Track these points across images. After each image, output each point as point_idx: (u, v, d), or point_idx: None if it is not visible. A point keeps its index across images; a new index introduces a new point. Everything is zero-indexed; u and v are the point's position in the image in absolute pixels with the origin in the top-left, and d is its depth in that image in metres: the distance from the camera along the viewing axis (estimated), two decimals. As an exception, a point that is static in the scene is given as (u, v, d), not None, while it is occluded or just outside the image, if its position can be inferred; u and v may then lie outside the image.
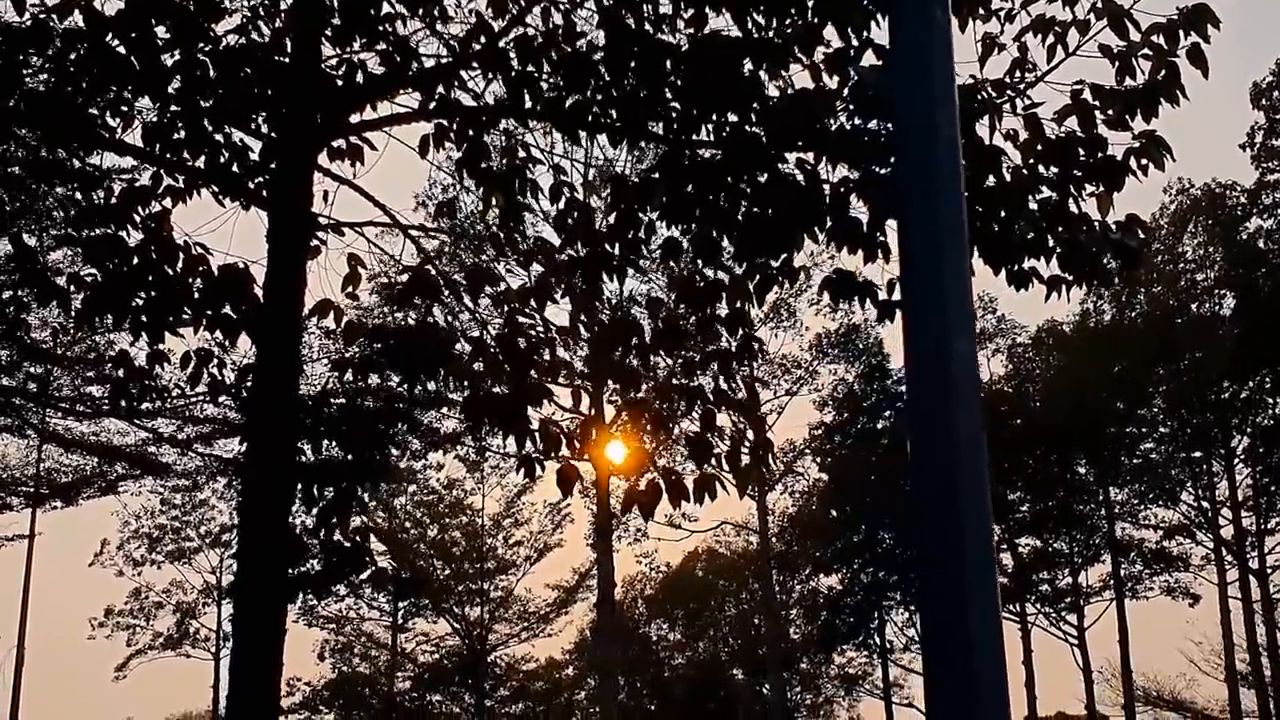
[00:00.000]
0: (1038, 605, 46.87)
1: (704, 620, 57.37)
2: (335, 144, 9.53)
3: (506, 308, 9.37)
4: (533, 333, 9.01)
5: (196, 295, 8.98)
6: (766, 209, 8.25)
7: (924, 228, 3.03)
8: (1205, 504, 43.56)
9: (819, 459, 47.21)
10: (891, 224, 8.31)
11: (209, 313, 8.99)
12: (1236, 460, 43.06)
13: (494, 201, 9.32)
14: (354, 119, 9.13)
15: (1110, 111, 7.81)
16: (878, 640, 48.61)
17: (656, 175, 8.23)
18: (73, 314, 9.39)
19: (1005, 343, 48.14)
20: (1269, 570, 41.69)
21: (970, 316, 2.90)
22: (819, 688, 54.97)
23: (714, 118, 7.88)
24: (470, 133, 9.10)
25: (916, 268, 3.06)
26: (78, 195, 9.04)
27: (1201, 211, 42.10)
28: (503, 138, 9.27)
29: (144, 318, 9.19)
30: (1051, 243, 8.28)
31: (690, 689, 53.84)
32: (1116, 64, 7.64)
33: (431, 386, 9.91)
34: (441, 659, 45.75)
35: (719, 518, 64.66)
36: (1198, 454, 44.14)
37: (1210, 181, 42.01)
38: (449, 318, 9.65)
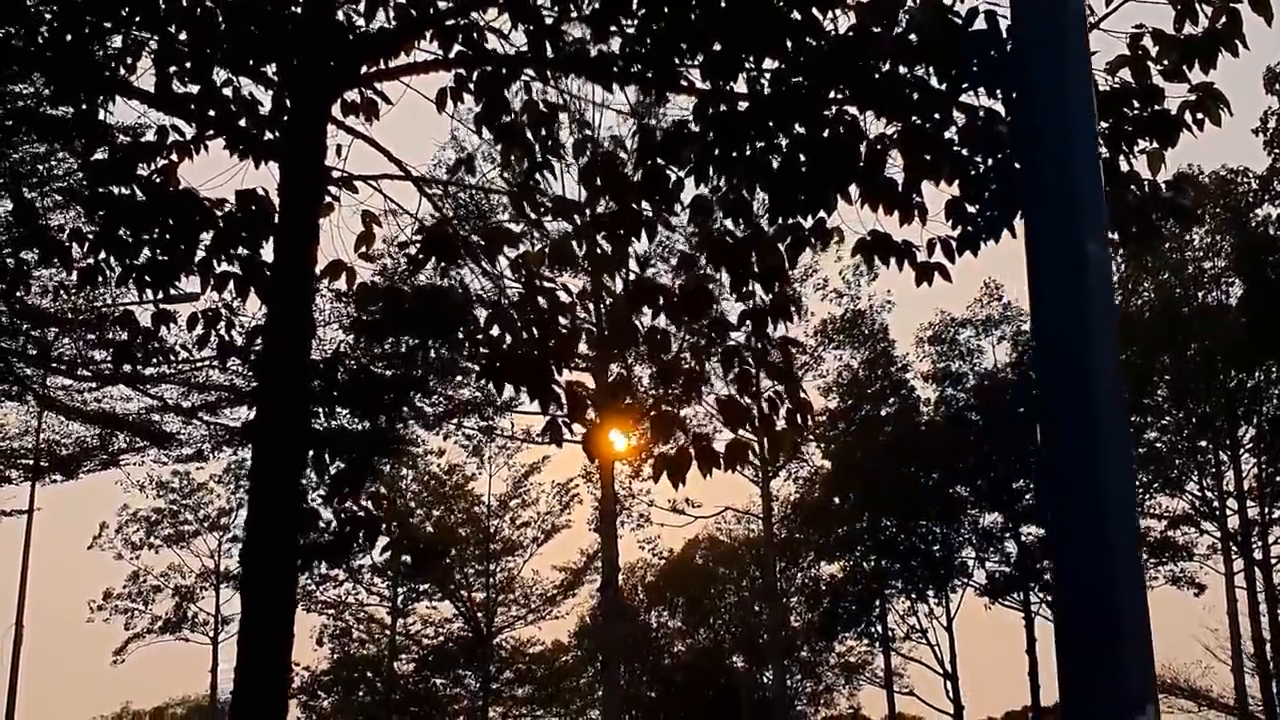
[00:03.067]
0: (1041, 594, 46.55)
1: (704, 608, 57.10)
2: (349, 98, 9.18)
3: (525, 271, 9.04)
4: (554, 295, 8.67)
5: (204, 249, 8.64)
6: (800, 165, 7.89)
7: (1052, 111, 2.66)
8: (1210, 494, 43.20)
9: (823, 446, 46.83)
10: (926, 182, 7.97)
11: (222, 259, 8.65)
12: (1242, 450, 42.68)
13: (513, 158, 8.97)
14: (369, 69, 8.77)
15: (1166, 61, 7.45)
16: (879, 629, 48.36)
17: (687, 128, 7.87)
18: (75, 272, 9.06)
19: (1011, 330, 47.69)
20: (1273, 560, 41.38)
21: (1103, 214, 2.55)
22: (819, 676, 54.73)
23: (753, 63, 7.50)
24: (489, 85, 8.74)
25: (1043, 158, 2.69)
26: (81, 148, 8.68)
27: (1210, 198, 41.60)
28: (524, 90, 8.87)
29: (148, 274, 8.87)
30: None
31: (690, 676, 53.61)
32: (1177, 7, 7.28)
33: (447, 351, 9.56)
34: (445, 642, 45.46)
35: (722, 504, 64.37)
36: (1203, 443, 43.74)
37: (1220, 168, 41.55)
38: (464, 281, 9.32)
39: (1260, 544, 41.58)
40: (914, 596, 48.02)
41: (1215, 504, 43.05)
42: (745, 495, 74.36)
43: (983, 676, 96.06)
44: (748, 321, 8.18)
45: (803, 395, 7.97)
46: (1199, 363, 42.22)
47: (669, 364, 8.17)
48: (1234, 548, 42.09)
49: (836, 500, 47.36)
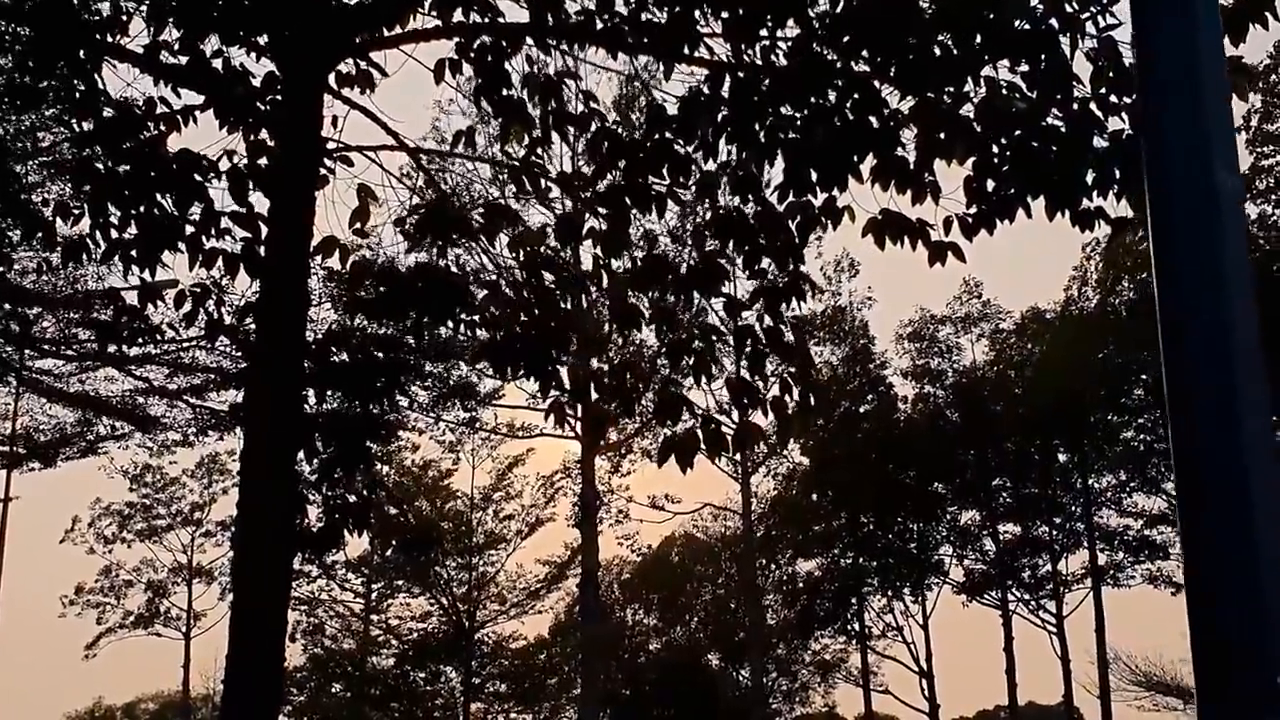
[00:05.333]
0: (1018, 592, 46.57)
1: (680, 605, 56.87)
2: (343, 69, 8.89)
3: (525, 250, 8.76)
4: (559, 272, 8.40)
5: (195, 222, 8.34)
6: (816, 138, 7.64)
7: (1176, 21, 2.39)
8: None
9: (801, 442, 46.61)
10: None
11: (212, 234, 8.35)
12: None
13: (514, 133, 8.68)
14: (367, 37, 8.47)
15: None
16: (856, 626, 48.23)
17: (701, 99, 7.61)
18: (58, 247, 8.75)
19: (989, 328, 47.67)
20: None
21: (1232, 139, 2.31)
22: (795, 674, 54.55)
23: (773, 26, 7.24)
24: (490, 56, 8.45)
25: (1167, 77, 2.43)
26: (68, 115, 8.36)
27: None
28: (525, 62, 8.58)
29: (135, 250, 8.57)
30: (1119, 181, 7.68)
31: (666, 674, 53.36)
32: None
33: (442, 333, 9.27)
34: (427, 636, 45.01)
35: (699, 500, 64.16)
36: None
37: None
38: (461, 260, 9.04)
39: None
40: (890, 594, 47.93)
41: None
42: (723, 491, 74.14)
43: (958, 674, 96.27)
44: (760, 300, 7.93)
45: (815, 376, 7.72)
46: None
47: (678, 343, 7.90)
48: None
49: (814, 497, 47.22)
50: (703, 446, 7.58)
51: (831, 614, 48.51)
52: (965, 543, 47.36)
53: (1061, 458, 46.33)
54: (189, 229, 8.62)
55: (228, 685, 7.15)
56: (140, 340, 9.08)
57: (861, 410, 46.42)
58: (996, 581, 46.30)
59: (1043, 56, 7.06)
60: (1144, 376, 43.41)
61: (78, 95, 8.07)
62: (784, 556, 50.56)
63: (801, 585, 49.78)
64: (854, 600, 47.95)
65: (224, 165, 8.49)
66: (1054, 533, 46.50)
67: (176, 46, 8.44)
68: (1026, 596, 46.58)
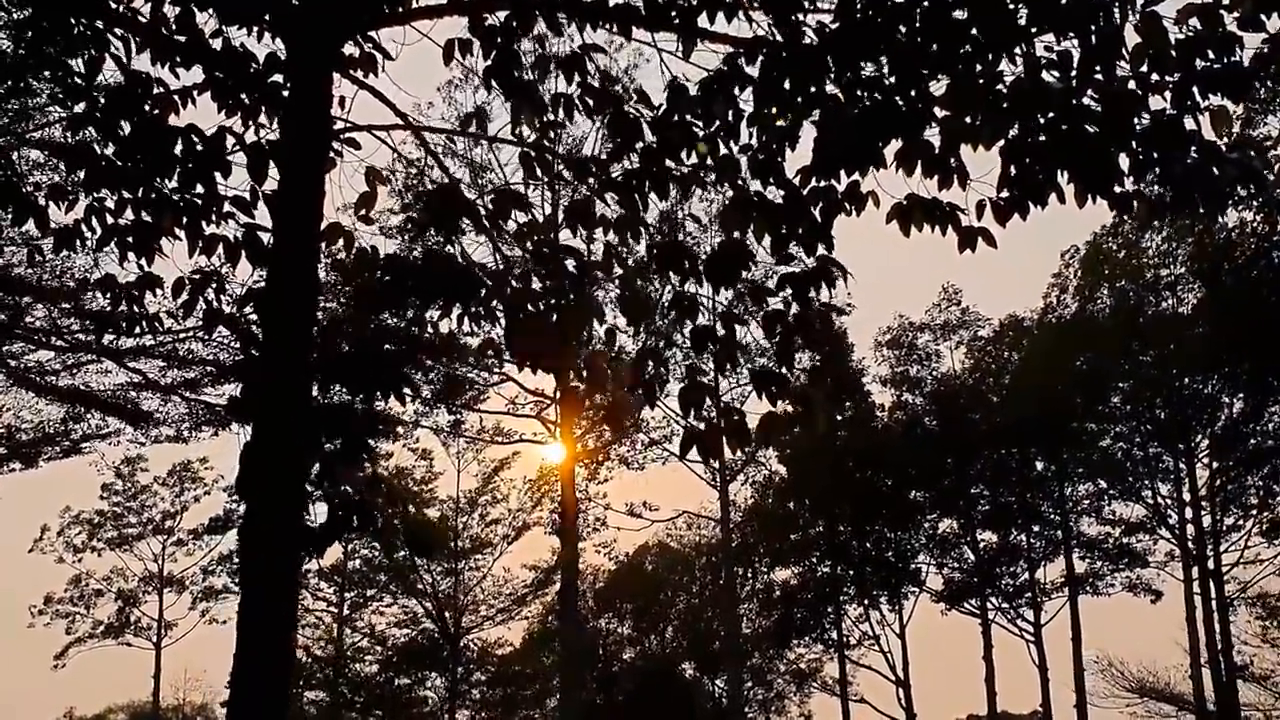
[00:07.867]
0: (996, 600, 46.51)
1: (654, 614, 56.62)
2: (347, 51, 8.57)
3: (535, 238, 8.45)
4: (577, 257, 8.09)
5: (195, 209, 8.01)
6: (843, 119, 7.36)
7: None
8: (1164, 501, 43.13)
9: (779, 450, 46.38)
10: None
11: (214, 219, 8.01)
12: (1197, 460, 42.57)
13: (523, 117, 8.36)
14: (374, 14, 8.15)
15: (1240, 10, 6.94)
16: (834, 635, 48.05)
17: (728, 81, 7.32)
18: (51, 232, 8.41)
19: (968, 335, 47.57)
20: (1223, 568, 41.30)
21: None
22: (770, 683, 54.36)
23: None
24: (500, 36, 8.14)
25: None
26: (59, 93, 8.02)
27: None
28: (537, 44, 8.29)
29: (131, 237, 8.24)
30: (1158, 163, 7.41)
31: (640, 684, 53.10)
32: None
33: (445, 327, 8.92)
34: (411, 642, 44.51)
35: (678, 507, 64.09)
36: (1158, 450, 43.64)
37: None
38: (465, 252, 8.71)
39: (1213, 552, 41.48)
40: (867, 603, 47.79)
41: (1172, 512, 42.98)
42: (699, 500, 74.18)
43: (934, 684, 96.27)
44: (786, 286, 7.63)
45: (848, 366, 7.43)
46: (1155, 370, 42.13)
47: (703, 331, 7.61)
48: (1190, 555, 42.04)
49: (792, 505, 47.01)
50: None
51: (808, 623, 48.33)
52: (943, 551, 47.28)
53: (1039, 465, 46.27)
54: (190, 213, 8.29)
55: (234, 686, 6.83)
56: (139, 329, 8.72)
57: (839, 418, 46.21)
58: (975, 590, 46.20)
59: (1092, 29, 6.78)
60: (1122, 384, 43.36)
61: (77, 69, 7.73)
62: (761, 565, 50.34)
63: (778, 594, 49.60)
64: (830, 609, 47.80)
65: (234, 146, 8.17)
66: (1032, 541, 46.45)
67: (175, 26, 8.12)
68: (1005, 605, 46.52)
